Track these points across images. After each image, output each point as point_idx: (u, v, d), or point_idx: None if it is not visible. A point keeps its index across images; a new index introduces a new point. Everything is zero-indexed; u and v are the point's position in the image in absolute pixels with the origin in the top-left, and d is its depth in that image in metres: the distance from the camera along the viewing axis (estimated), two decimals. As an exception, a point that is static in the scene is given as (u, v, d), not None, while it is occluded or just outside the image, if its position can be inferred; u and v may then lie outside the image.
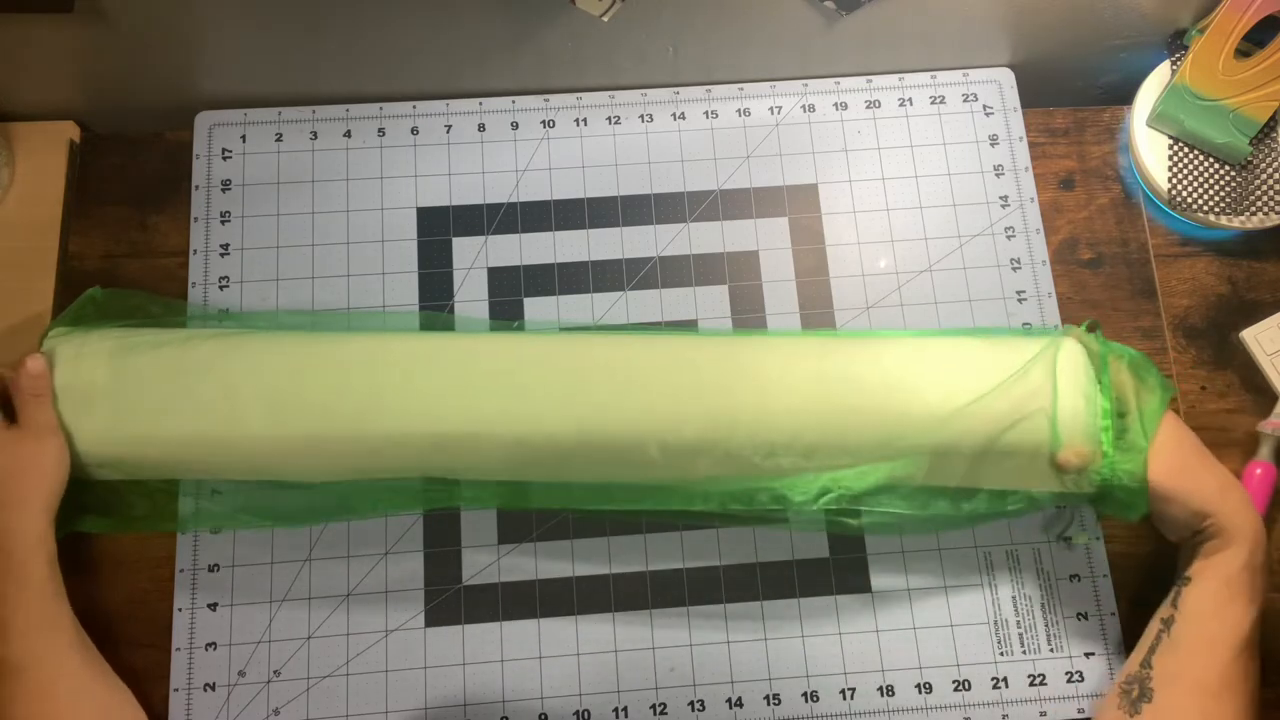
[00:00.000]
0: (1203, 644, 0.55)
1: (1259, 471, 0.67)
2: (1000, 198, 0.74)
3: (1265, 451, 0.68)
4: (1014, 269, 0.72)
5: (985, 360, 0.60)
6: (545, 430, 0.59)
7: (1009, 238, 0.73)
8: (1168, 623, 0.57)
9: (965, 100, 0.76)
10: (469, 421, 0.59)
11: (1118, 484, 0.58)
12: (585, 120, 0.75)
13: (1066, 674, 0.65)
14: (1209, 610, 0.56)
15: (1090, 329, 0.63)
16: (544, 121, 0.75)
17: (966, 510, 0.61)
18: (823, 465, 0.59)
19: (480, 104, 0.75)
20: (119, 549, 0.66)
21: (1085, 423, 0.58)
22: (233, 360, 0.61)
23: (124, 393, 0.60)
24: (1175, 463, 0.58)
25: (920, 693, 0.64)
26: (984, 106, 0.76)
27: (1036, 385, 0.59)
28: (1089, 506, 0.66)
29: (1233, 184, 0.72)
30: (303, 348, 0.62)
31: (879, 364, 0.61)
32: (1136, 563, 0.67)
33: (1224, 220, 0.72)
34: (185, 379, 0.60)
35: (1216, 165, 0.72)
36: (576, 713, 0.64)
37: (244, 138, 0.74)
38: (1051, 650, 0.65)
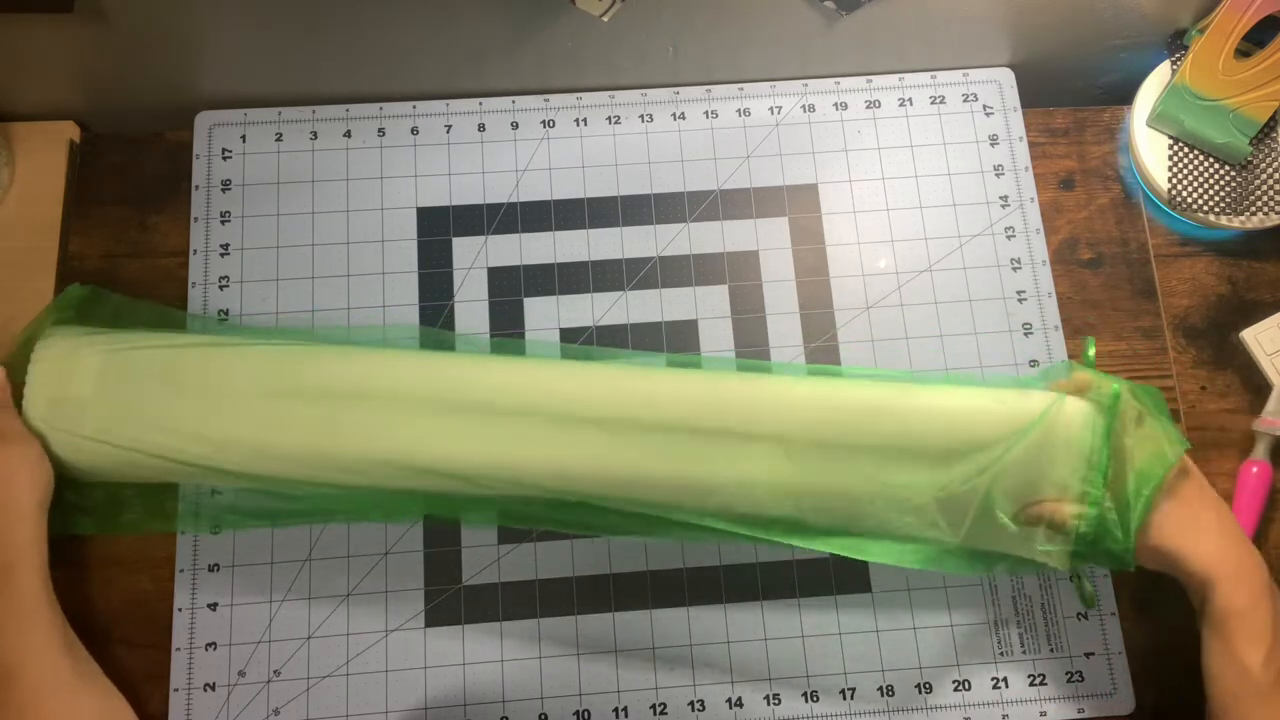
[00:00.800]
0: (1227, 701, 0.53)
1: (1255, 470, 0.67)
2: (1000, 198, 0.74)
3: (1261, 450, 0.68)
4: (1014, 269, 0.72)
5: (986, 422, 0.58)
6: (540, 470, 0.59)
7: (1009, 238, 0.73)
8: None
9: (965, 100, 0.76)
10: (462, 455, 0.59)
11: (1103, 545, 0.56)
12: (585, 120, 0.75)
13: (1066, 674, 0.65)
14: (1218, 664, 0.54)
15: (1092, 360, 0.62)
16: (544, 121, 0.75)
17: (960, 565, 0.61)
18: (821, 524, 0.60)
19: (480, 104, 0.75)
20: (119, 549, 0.65)
21: (1075, 493, 0.56)
22: (225, 373, 0.61)
23: (113, 401, 0.60)
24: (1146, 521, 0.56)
25: (920, 693, 0.64)
26: (984, 106, 0.76)
27: (1033, 452, 0.57)
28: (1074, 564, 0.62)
29: (1233, 184, 0.72)
30: (297, 363, 0.61)
31: (881, 429, 0.59)
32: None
33: (1224, 220, 0.72)
34: (176, 391, 0.60)
35: (1216, 165, 0.72)
36: (576, 713, 0.64)
37: (244, 138, 0.74)
38: (1051, 650, 0.65)
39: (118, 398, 0.60)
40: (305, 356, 0.62)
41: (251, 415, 0.60)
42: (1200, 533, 0.55)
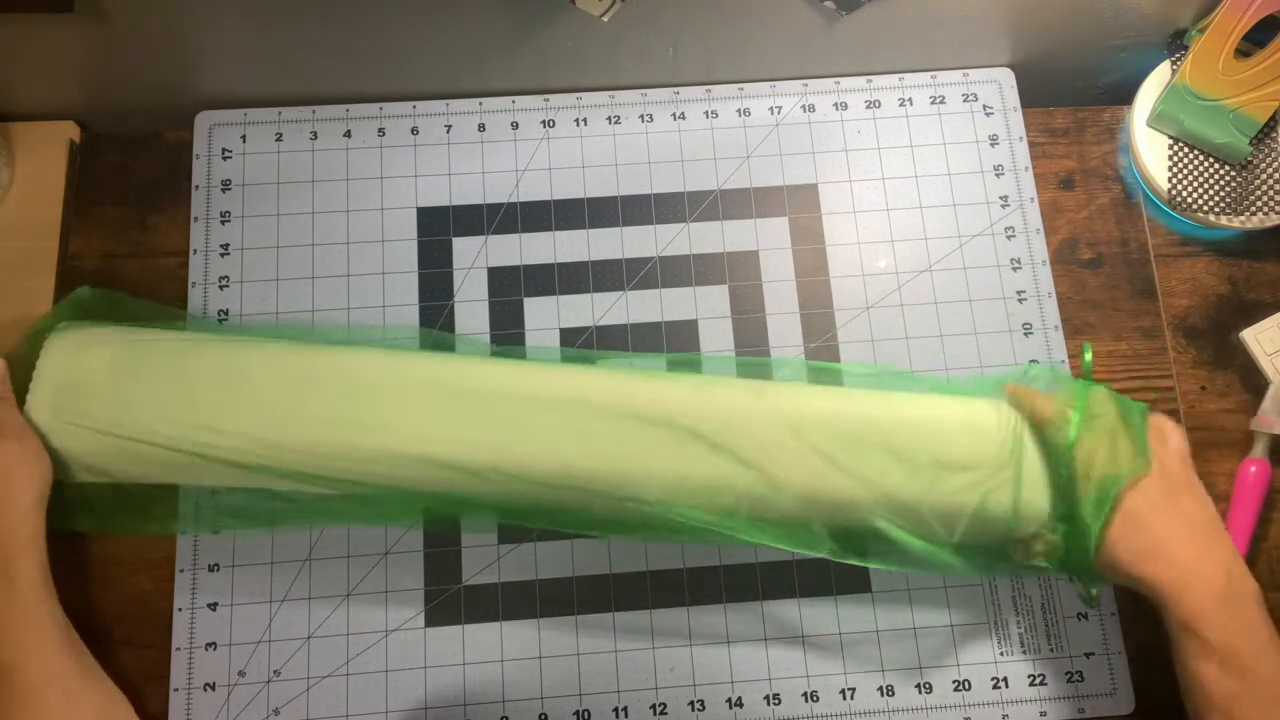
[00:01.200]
0: (1194, 714, 0.54)
1: (1254, 469, 0.67)
2: (1000, 198, 0.74)
3: (1259, 449, 0.68)
4: (1014, 269, 0.72)
5: (956, 433, 0.59)
6: (545, 472, 0.58)
7: (1009, 238, 0.73)
8: None
9: (965, 100, 0.76)
10: (466, 457, 0.58)
11: (1067, 561, 0.57)
12: (585, 120, 0.75)
13: (1066, 674, 0.65)
14: (1182, 678, 0.54)
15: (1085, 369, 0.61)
16: (544, 121, 0.75)
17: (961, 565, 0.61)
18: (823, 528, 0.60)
19: (480, 104, 0.75)
20: (119, 550, 0.65)
21: (1047, 502, 0.57)
22: (238, 366, 0.60)
23: (123, 390, 0.59)
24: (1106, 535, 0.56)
25: (920, 693, 0.64)
26: (984, 106, 0.76)
27: (1005, 459, 0.58)
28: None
29: (1233, 184, 0.72)
30: (311, 356, 0.61)
31: (873, 442, 0.59)
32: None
33: (1224, 220, 0.72)
34: (187, 382, 0.60)
35: (1216, 165, 0.72)
36: (576, 713, 0.64)
37: (244, 138, 0.74)
38: (1051, 650, 0.65)
39: (128, 386, 0.59)
40: (318, 349, 0.62)
41: (264, 406, 0.59)
42: (1148, 551, 0.54)
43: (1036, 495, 0.57)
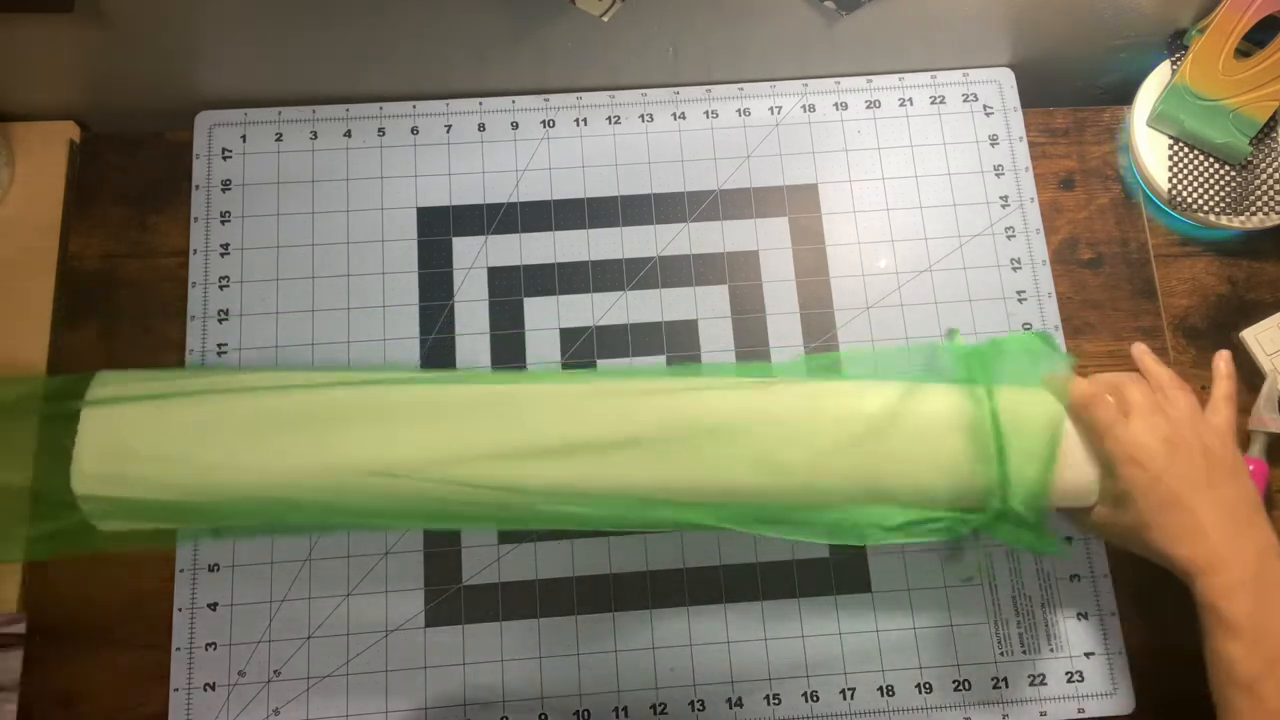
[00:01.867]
0: (1217, 692, 0.54)
1: (1251, 469, 0.67)
2: (1000, 198, 0.74)
3: (1256, 448, 0.68)
4: (1014, 269, 0.72)
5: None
6: (547, 483, 0.57)
7: (1009, 238, 0.73)
8: None
9: (965, 100, 0.76)
10: (471, 478, 0.56)
11: (1014, 519, 0.56)
12: (585, 120, 0.75)
13: (1066, 674, 0.65)
14: (1208, 656, 0.55)
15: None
16: (544, 121, 0.75)
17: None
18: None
19: (480, 104, 0.75)
20: (119, 550, 0.65)
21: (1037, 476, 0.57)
22: (238, 413, 0.57)
23: (155, 451, 0.56)
24: (1110, 509, 0.56)
25: (920, 693, 0.64)
26: (984, 106, 0.76)
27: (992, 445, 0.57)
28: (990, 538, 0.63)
29: (1233, 184, 0.72)
30: (309, 397, 0.58)
31: (866, 444, 0.58)
32: (1136, 562, 0.66)
33: (1224, 220, 0.72)
34: (201, 432, 0.56)
35: (1216, 165, 0.72)
36: (576, 713, 0.64)
37: (244, 138, 0.74)
38: (1051, 650, 0.65)
39: (161, 442, 0.56)
40: (319, 385, 0.59)
41: (278, 442, 0.56)
42: (1184, 532, 0.55)
43: (1028, 472, 0.56)
